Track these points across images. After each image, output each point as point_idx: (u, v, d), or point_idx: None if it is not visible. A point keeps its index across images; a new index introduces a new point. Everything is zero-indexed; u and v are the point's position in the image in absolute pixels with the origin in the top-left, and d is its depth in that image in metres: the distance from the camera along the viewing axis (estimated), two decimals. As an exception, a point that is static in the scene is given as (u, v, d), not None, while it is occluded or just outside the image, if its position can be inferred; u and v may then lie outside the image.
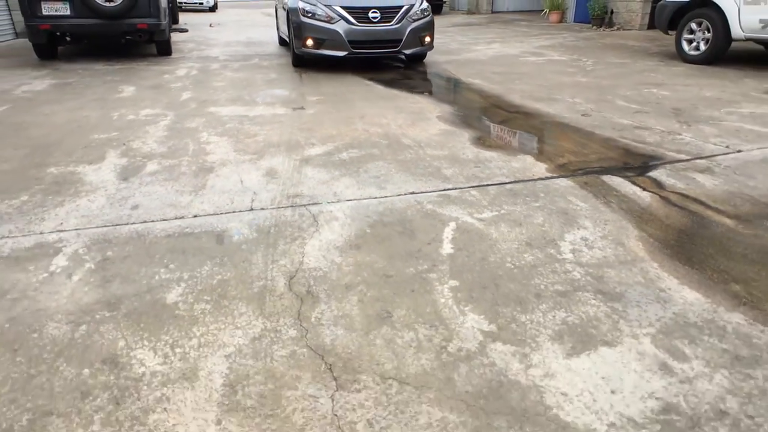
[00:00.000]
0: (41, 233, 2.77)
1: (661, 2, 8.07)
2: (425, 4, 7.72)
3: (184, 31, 13.99)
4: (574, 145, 4.24)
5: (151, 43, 9.18)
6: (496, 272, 2.38)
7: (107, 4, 8.04)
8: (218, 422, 1.58)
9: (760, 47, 8.18)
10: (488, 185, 3.38)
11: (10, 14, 12.19)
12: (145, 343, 1.93)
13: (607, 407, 1.63)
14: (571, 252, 2.55)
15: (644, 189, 3.29)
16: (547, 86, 6.42)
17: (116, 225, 2.86)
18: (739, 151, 3.93)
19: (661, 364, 1.80)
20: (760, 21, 6.59)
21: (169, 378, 1.75)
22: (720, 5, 6.97)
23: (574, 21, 14.38)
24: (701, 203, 3.08)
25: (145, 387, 1.72)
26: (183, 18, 17.62)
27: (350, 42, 7.11)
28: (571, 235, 2.71)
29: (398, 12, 7.29)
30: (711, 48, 7.27)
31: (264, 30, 14.14)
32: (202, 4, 24.92)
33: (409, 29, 7.32)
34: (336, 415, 1.60)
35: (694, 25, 7.49)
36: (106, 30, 8.28)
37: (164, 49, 9.25)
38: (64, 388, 1.71)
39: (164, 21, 8.67)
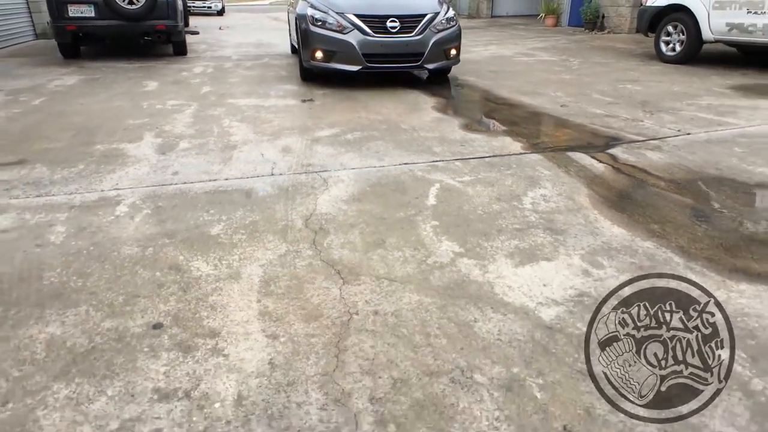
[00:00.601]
0: (102, 191, 3.42)
1: (642, 7, 8.72)
2: (451, 13, 6.85)
3: (196, 33, 14.64)
4: (549, 129, 4.88)
5: (168, 43, 9.81)
6: (468, 216, 3.02)
7: (129, 6, 8.68)
8: (258, 301, 2.23)
9: (734, 49, 8.79)
10: (470, 158, 4.02)
11: (31, 17, 12.85)
12: (199, 258, 2.57)
13: (538, 293, 2.27)
14: (531, 204, 3.19)
15: (600, 161, 3.93)
16: (534, 83, 7.06)
17: (162, 185, 3.51)
18: (688, 134, 4.57)
19: (583, 270, 2.44)
20: (727, 24, 7.24)
21: (219, 277, 2.40)
22: (692, 10, 7.62)
23: (569, 25, 15.03)
24: (644, 171, 3.71)
25: (203, 282, 2.36)
26: (193, 21, 18.27)
27: (365, 55, 6.24)
28: (532, 193, 3.35)
29: (421, 21, 6.37)
30: (685, 49, 7.91)
31: (272, 33, 14.80)
32: (210, 8, 25.62)
33: (432, 41, 6.39)
34: (343, 297, 2.25)
35: (670, 28, 8.13)
36: (128, 31, 8.93)
37: (180, 50, 9.89)
38: (144, 282, 2.36)
39: (181, 23, 9.34)
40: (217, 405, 1.67)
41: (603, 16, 13.14)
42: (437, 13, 6.57)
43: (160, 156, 4.09)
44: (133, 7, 8.67)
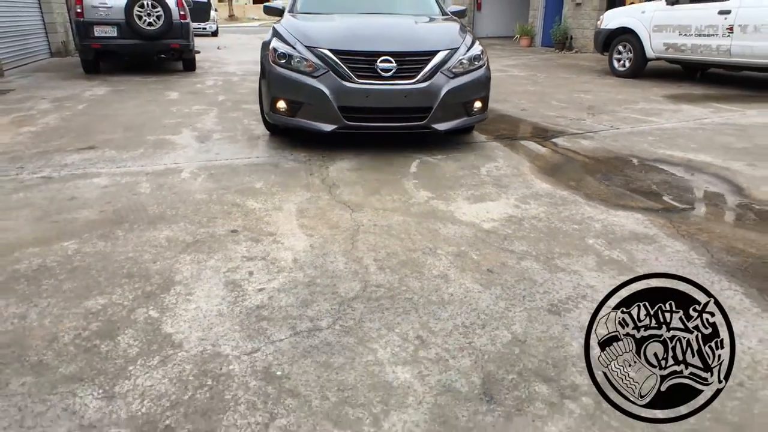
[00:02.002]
0: (165, 164, 4.55)
1: (597, 29, 10.06)
2: (478, 48, 4.94)
3: (197, 52, 15.78)
4: (509, 126, 6.09)
5: (179, 60, 10.99)
6: (440, 178, 4.19)
7: (148, 27, 9.85)
8: (297, 219, 3.37)
9: (678, 66, 10.13)
10: (443, 145, 5.21)
11: (47, 37, 13.96)
12: (251, 199, 3.71)
13: (483, 216, 3.44)
14: (486, 171, 4.37)
15: (543, 146, 5.13)
16: (503, 93, 8.29)
17: (209, 161, 4.64)
18: (617, 129, 5.80)
19: (515, 206, 3.62)
20: (664, 44, 8.58)
21: (267, 209, 3.54)
22: (637, 32, 8.96)
23: (542, 45, 16.45)
24: (575, 152, 4.92)
25: (257, 211, 3.50)
26: (193, 41, 19.44)
27: (342, 109, 4.48)
28: (488, 165, 4.54)
29: (429, 61, 4.55)
30: (633, 65, 9.25)
31: (269, 52, 15.97)
32: (205, 29, 26.84)
33: (445, 90, 4.54)
34: (353, 218, 3.40)
35: (620, 47, 9.47)
36: (146, 49, 10.10)
37: (190, 66, 11.06)
38: (217, 211, 3.49)
39: (192, 42, 10.53)
40: (282, 262, 2.81)
41: (571, 38, 14.54)
42: (455, 50, 4.72)
43: (201, 144, 5.22)
44: (152, 28, 9.84)
